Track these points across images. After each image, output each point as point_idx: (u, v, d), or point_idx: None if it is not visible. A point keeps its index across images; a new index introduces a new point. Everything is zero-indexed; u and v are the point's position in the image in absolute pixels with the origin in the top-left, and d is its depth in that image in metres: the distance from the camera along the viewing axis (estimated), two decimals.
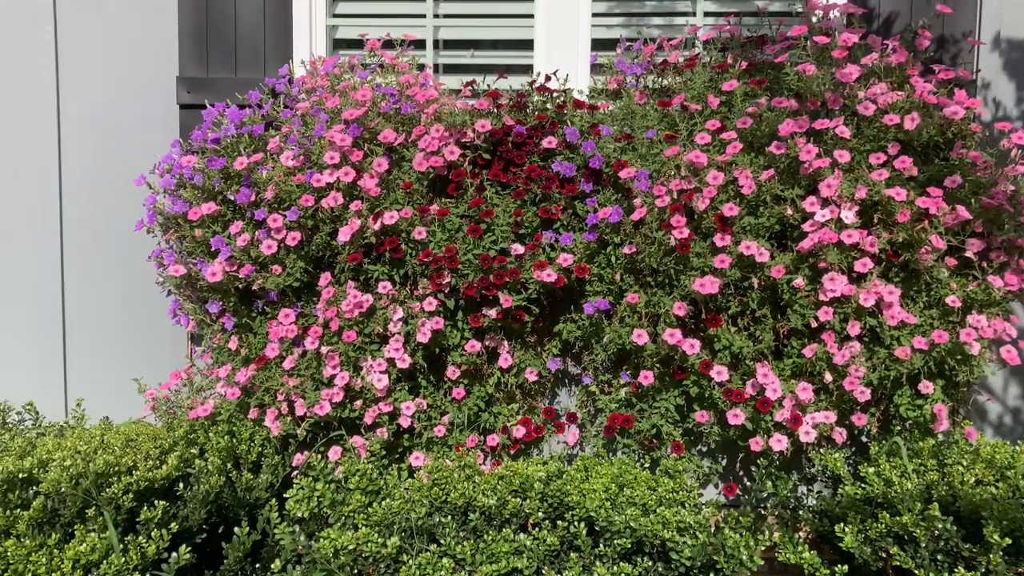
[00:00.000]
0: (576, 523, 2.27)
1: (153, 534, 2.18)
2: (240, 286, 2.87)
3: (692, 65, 2.92)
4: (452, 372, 2.77)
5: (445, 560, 2.14)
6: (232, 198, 2.85)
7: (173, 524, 2.27)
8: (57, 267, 3.38)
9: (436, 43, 3.35)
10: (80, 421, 2.92)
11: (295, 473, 2.73)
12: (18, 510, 2.16)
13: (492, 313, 2.70)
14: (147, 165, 3.12)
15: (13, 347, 3.42)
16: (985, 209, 2.60)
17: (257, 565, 2.38)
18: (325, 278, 2.77)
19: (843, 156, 2.56)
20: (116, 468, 2.35)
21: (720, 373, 2.59)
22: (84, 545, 2.07)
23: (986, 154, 2.67)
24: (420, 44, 3.29)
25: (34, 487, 2.27)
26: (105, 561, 2.06)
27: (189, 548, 2.20)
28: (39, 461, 2.32)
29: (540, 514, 2.34)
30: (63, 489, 2.23)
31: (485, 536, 2.22)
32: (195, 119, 3.09)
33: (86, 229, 3.36)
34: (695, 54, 2.98)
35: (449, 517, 2.31)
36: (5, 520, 2.13)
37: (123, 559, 2.08)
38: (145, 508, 2.25)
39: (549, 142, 2.76)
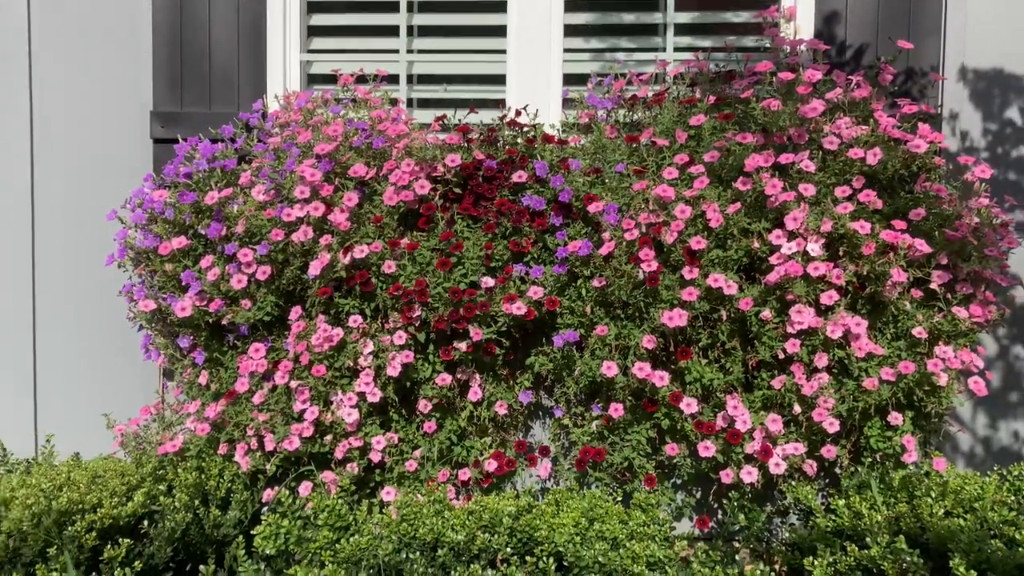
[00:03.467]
0: (545, 558, 2.25)
1: (116, 573, 2.15)
2: (211, 320, 2.86)
3: (661, 100, 2.95)
4: (423, 406, 2.76)
5: None
6: (203, 232, 2.85)
7: (138, 562, 2.24)
8: (29, 301, 3.36)
9: (410, 78, 3.38)
10: (49, 457, 2.89)
11: (264, 509, 2.70)
12: None
13: (463, 346, 2.70)
14: (120, 200, 3.12)
15: None
16: (949, 241, 2.63)
17: None
18: (295, 312, 2.77)
19: (808, 190, 2.58)
20: (80, 506, 2.32)
21: (690, 405, 2.59)
22: None
23: (950, 187, 2.71)
24: (394, 79, 3.32)
25: None
26: None
27: None
28: (2, 499, 2.30)
29: (508, 549, 2.32)
30: (25, 528, 2.20)
31: (453, 573, 2.21)
32: (169, 153, 3.09)
33: (58, 264, 3.35)
34: (664, 89, 3.02)
35: (417, 553, 2.29)
36: None
37: None
38: (109, 546, 2.23)
39: (519, 176, 2.78)
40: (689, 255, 2.63)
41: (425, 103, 3.41)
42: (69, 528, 2.22)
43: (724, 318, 2.63)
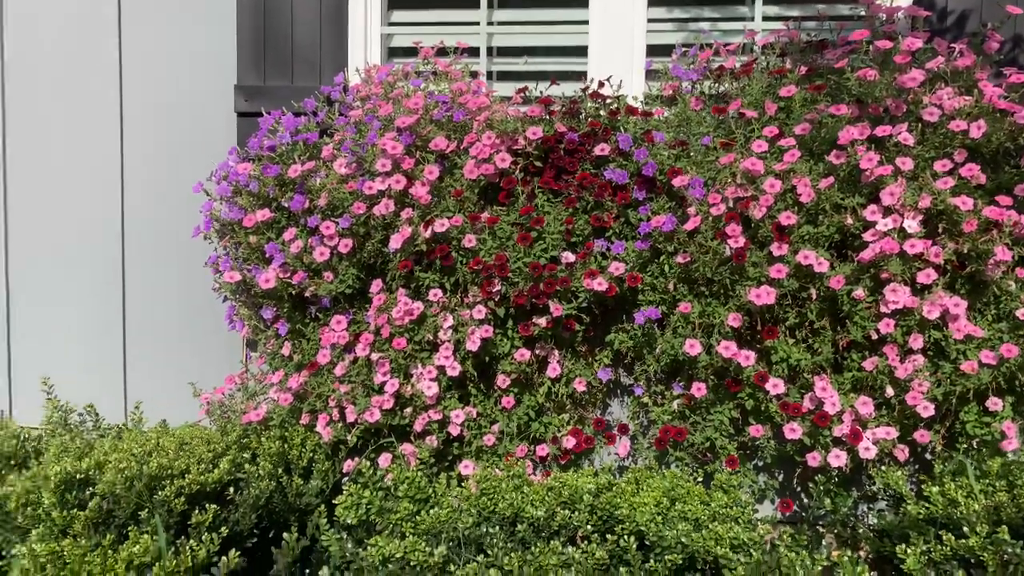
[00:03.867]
0: (626, 537, 2.22)
1: (204, 537, 2.20)
2: (293, 292, 2.89)
3: (749, 71, 2.85)
4: (502, 381, 2.75)
5: (492, 571, 2.12)
6: (286, 205, 2.88)
7: (224, 528, 2.29)
8: (118, 273, 3.46)
9: (490, 50, 3.34)
10: (138, 424, 2.98)
11: (345, 479, 2.74)
12: (75, 510, 2.21)
13: (542, 322, 2.68)
14: (206, 172, 3.17)
15: (76, 350, 3.51)
16: None
17: (307, 571, 2.39)
18: (376, 285, 2.78)
19: (906, 163, 2.47)
20: (169, 471, 2.38)
21: (776, 386, 2.52)
22: (137, 547, 2.10)
23: None
24: (474, 51, 3.29)
25: (91, 488, 2.31)
26: (157, 564, 2.09)
27: (239, 552, 2.21)
28: (96, 463, 2.37)
29: (589, 527, 2.30)
30: (118, 491, 2.27)
31: (533, 548, 2.19)
32: (252, 127, 3.13)
33: (147, 235, 3.43)
34: (753, 59, 2.92)
35: (497, 527, 2.29)
36: (63, 519, 2.17)
37: (174, 562, 2.10)
38: (196, 511, 2.28)
39: (602, 149, 2.73)
40: (778, 231, 2.54)
41: (505, 75, 3.37)
42: (159, 492, 2.28)
43: (813, 297, 2.55)
